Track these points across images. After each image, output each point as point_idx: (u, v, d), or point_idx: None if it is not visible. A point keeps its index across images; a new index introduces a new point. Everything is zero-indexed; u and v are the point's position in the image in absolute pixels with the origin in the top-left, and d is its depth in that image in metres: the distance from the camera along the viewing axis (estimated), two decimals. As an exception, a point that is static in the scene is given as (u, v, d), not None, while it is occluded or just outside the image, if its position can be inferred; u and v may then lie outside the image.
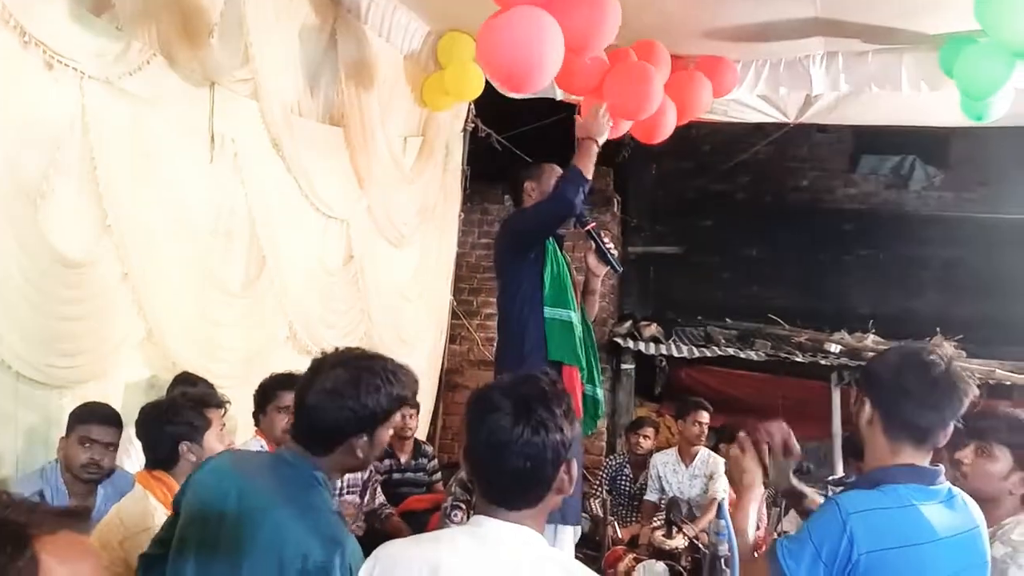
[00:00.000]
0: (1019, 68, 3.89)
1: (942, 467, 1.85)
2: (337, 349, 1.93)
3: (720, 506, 1.61)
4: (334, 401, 1.80)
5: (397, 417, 1.95)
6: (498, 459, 1.46)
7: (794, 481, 2.01)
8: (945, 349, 1.91)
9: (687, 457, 5.07)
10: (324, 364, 1.87)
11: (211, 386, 3.19)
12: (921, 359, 1.81)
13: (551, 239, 3.41)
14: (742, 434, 2.00)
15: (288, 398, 3.04)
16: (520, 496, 1.49)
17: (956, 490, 1.86)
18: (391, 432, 1.95)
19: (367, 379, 1.82)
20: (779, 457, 1.97)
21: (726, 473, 2.05)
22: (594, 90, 4.26)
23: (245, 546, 1.73)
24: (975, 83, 3.66)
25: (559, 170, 3.43)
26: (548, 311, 3.29)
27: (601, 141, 3.32)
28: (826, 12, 4.19)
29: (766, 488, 2.00)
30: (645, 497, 5.17)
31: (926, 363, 1.80)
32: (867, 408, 1.86)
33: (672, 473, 5.06)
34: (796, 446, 2.00)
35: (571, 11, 3.39)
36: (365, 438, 1.84)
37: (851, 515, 1.71)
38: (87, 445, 2.81)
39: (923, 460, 1.82)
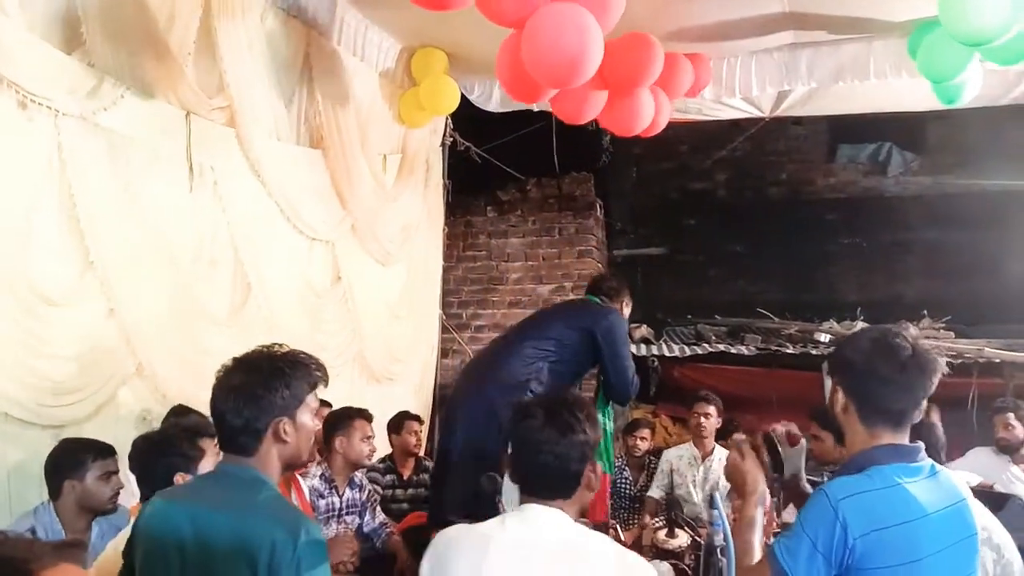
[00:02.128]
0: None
1: (922, 444, 1.87)
2: (232, 358, 1.97)
3: (713, 497, 1.62)
4: (242, 396, 1.88)
5: (313, 402, 1.98)
6: (532, 456, 1.83)
7: (803, 483, 2.02)
8: (910, 330, 1.92)
9: (702, 450, 5.03)
10: (225, 371, 1.94)
11: (204, 416, 3.17)
12: (888, 343, 1.83)
13: None
14: (739, 438, 2.03)
15: None
16: (553, 488, 1.83)
17: (938, 466, 1.88)
18: (314, 420, 2.02)
19: (267, 367, 1.91)
20: (788, 449, 1.98)
21: (727, 480, 2.05)
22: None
23: (215, 562, 1.77)
24: (936, 68, 3.70)
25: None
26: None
27: None
28: (794, 6, 4.23)
29: (772, 488, 2.00)
30: (648, 494, 5.15)
31: (893, 347, 1.82)
32: (840, 396, 1.88)
33: (688, 466, 5.02)
34: (799, 435, 2.01)
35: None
36: (286, 420, 1.90)
37: (840, 501, 1.73)
38: (112, 478, 2.82)
39: (903, 439, 1.85)
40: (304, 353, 2.00)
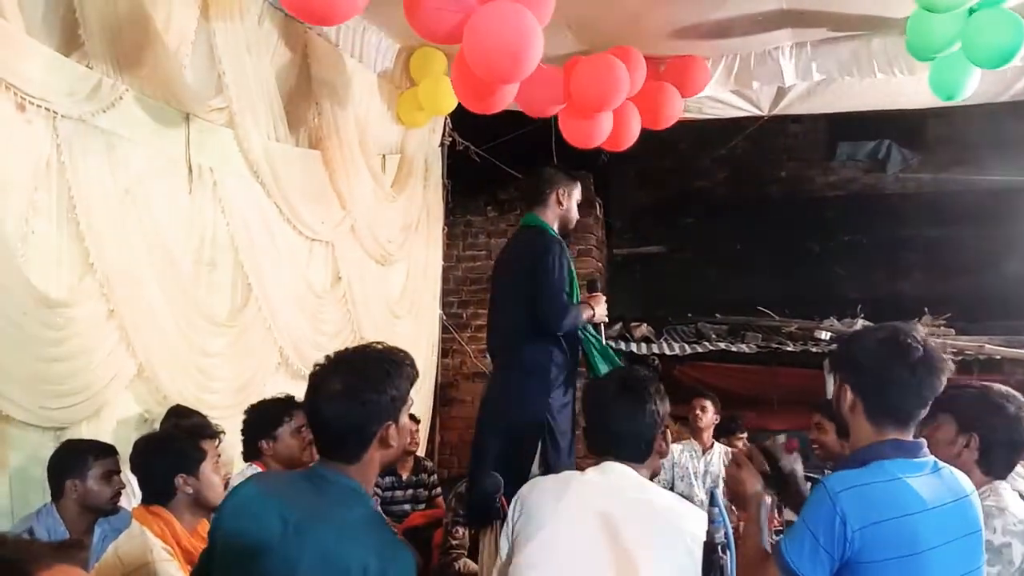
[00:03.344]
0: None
1: (924, 440, 1.88)
2: (327, 357, 1.86)
3: (713, 494, 1.61)
4: (350, 401, 1.76)
5: (410, 400, 1.89)
6: (606, 425, 2.09)
7: (803, 487, 2.02)
8: (919, 329, 1.90)
9: (702, 444, 5.12)
10: (323, 373, 1.82)
11: (204, 417, 3.18)
12: (900, 344, 1.82)
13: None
14: (737, 449, 2.07)
15: (300, 418, 3.04)
16: (628, 453, 2.04)
17: (942, 463, 1.88)
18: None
19: (373, 369, 1.80)
20: (786, 457, 1.99)
21: (726, 491, 2.05)
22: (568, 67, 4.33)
23: (298, 570, 1.66)
24: (924, 41, 3.71)
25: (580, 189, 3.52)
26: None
27: (597, 318, 3.39)
28: (792, 3, 4.23)
29: (770, 495, 2.00)
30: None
31: (905, 347, 1.81)
32: (849, 395, 1.87)
33: (690, 459, 5.10)
34: (795, 440, 2.02)
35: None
36: (393, 425, 1.80)
37: (839, 493, 1.73)
38: (113, 478, 2.83)
39: (907, 436, 1.85)
40: (400, 350, 1.91)
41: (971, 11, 3.54)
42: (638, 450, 2.03)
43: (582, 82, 4.26)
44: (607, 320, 3.45)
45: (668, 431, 2.08)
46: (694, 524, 1.82)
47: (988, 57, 3.64)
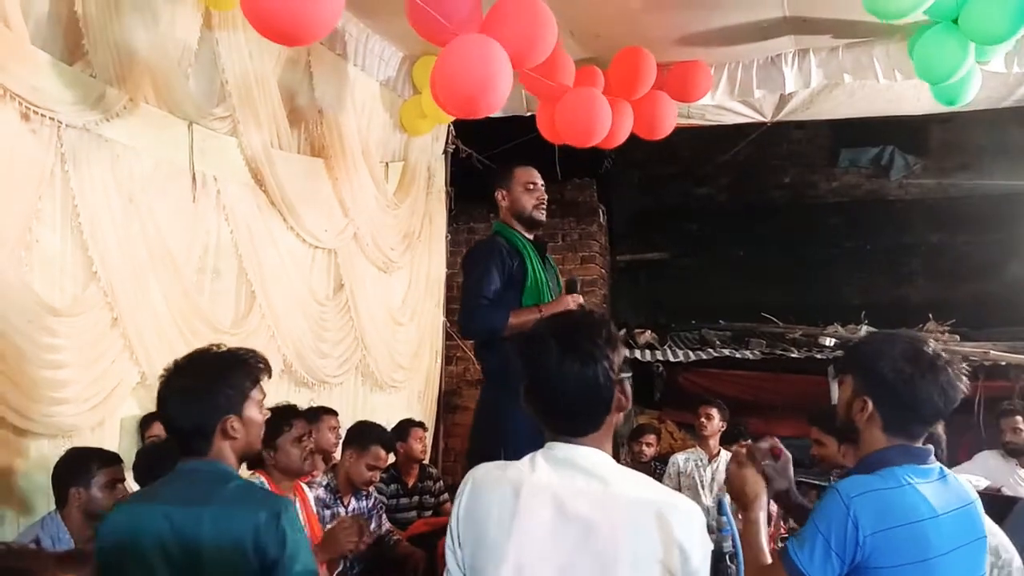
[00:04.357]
0: (989, 52, 3.96)
1: (932, 447, 1.88)
2: (175, 360, 2.05)
3: (721, 503, 1.61)
4: (187, 399, 1.97)
5: (258, 395, 2.06)
6: (555, 395, 1.59)
7: (795, 493, 2.01)
8: (937, 343, 1.89)
9: (708, 452, 5.11)
10: (166, 378, 2.02)
11: None
12: (928, 361, 1.81)
13: (531, 249, 3.33)
14: (738, 449, 2.01)
15: (301, 426, 3.12)
16: (582, 424, 1.60)
17: (946, 469, 1.88)
18: (262, 412, 2.09)
19: (208, 368, 2.01)
20: (773, 464, 1.98)
21: (728, 490, 2.03)
22: (548, 104, 4.42)
23: (202, 556, 1.83)
24: (933, 68, 3.71)
25: (530, 171, 3.39)
26: None
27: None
28: (794, 11, 4.25)
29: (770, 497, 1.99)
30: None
31: (933, 366, 1.81)
32: (869, 407, 1.85)
33: (695, 468, 5.09)
34: (782, 448, 2.01)
35: (508, 31, 3.43)
36: (233, 418, 1.99)
37: (853, 498, 1.73)
38: (117, 486, 2.82)
39: (916, 442, 1.86)
40: (244, 349, 2.10)
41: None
42: (595, 420, 1.60)
43: (567, 119, 4.35)
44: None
45: (627, 383, 1.64)
46: (679, 527, 1.50)
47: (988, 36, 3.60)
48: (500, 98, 3.41)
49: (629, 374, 6.56)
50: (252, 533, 1.83)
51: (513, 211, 3.34)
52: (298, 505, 3.18)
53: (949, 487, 1.82)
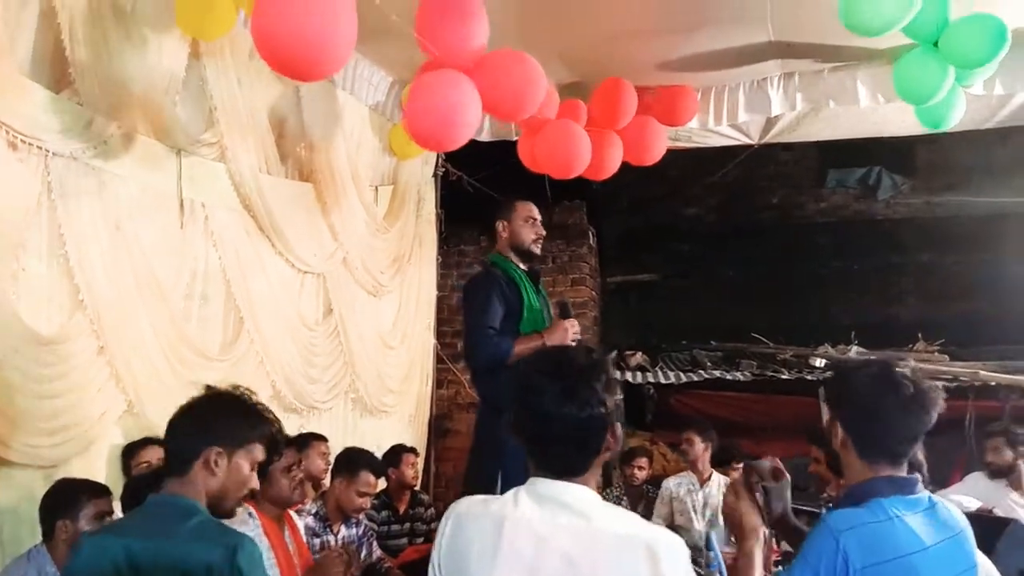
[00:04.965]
0: (971, 76, 4.00)
1: (918, 476, 1.88)
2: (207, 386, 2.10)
3: (708, 538, 1.60)
4: (189, 417, 2.02)
5: (259, 455, 2.05)
6: (548, 438, 1.59)
7: (791, 517, 2.00)
8: (910, 364, 1.90)
9: (699, 476, 5.05)
10: (198, 396, 2.08)
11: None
12: (890, 381, 1.83)
13: (526, 279, 3.43)
14: (734, 478, 2.00)
15: (290, 456, 3.13)
16: (572, 466, 1.60)
17: (936, 497, 1.87)
18: (251, 470, 2.05)
19: (224, 400, 2.04)
20: (773, 484, 1.96)
21: (724, 522, 2.02)
22: (529, 135, 4.48)
23: None
24: (914, 89, 3.75)
25: (530, 207, 3.52)
26: None
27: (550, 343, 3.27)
28: (780, 35, 4.28)
29: (767, 528, 1.97)
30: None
31: (895, 385, 1.82)
32: (840, 431, 1.87)
33: (687, 493, 5.03)
34: (783, 470, 1.99)
35: (497, 83, 3.49)
36: (221, 451, 1.97)
37: (842, 532, 1.73)
38: (106, 519, 2.77)
39: (901, 471, 1.85)
40: (271, 411, 2.12)
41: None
42: (584, 462, 1.60)
43: (544, 152, 4.42)
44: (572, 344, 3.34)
45: (618, 426, 1.63)
46: (665, 562, 1.49)
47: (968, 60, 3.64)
48: (465, 134, 3.47)
49: (621, 396, 6.56)
50: (205, 571, 1.81)
51: (512, 243, 3.49)
52: (287, 534, 3.15)
53: (938, 517, 1.81)
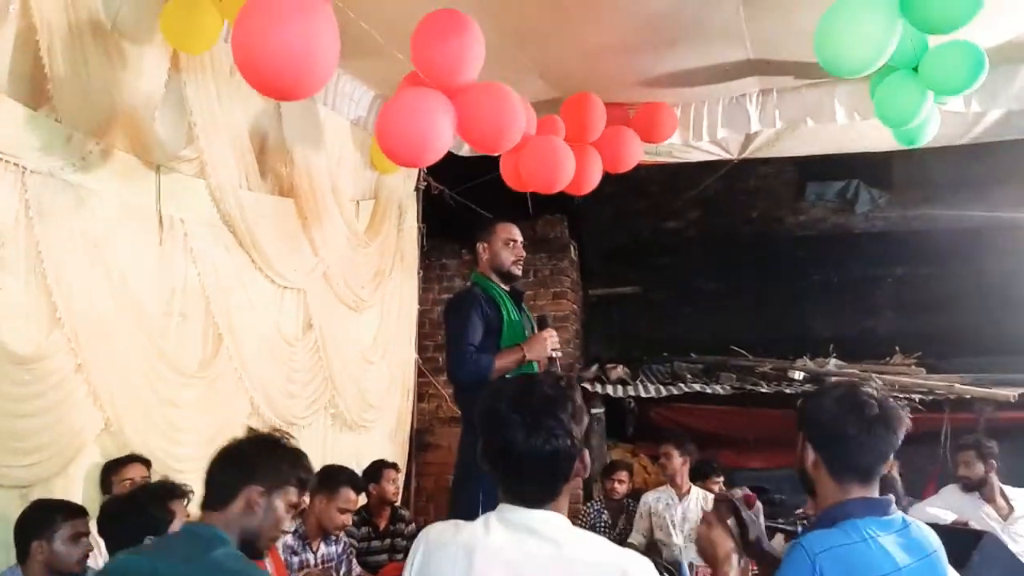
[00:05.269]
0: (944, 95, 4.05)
1: (892, 497, 1.90)
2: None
3: (680, 566, 1.62)
4: (231, 456, 2.09)
5: (293, 497, 2.11)
6: (516, 469, 1.59)
7: (765, 543, 2.02)
8: (875, 383, 1.95)
9: (678, 491, 5.05)
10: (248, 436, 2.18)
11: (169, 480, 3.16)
12: (855, 401, 1.86)
13: (507, 299, 3.48)
14: (707, 511, 2.02)
15: None
16: (541, 494, 1.60)
17: (909, 518, 1.90)
18: (286, 511, 2.11)
19: (265, 442, 2.13)
20: (747, 512, 1.99)
21: (699, 552, 2.05)
22: (512, 153, 4.44)
23: None
24: (893, 113, 3.79)
25: (510, 229, 3.56)
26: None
27: (531, 358, 3.36)
28: (758, 53, 4.33)
29: (743, 555, 1.99)
30: (629, 540, 5.13)
31: (860, 404, 1.85)
32: (810, 453, 1.91)
33: (665, 508, 5.02)
34: (754, 496, 2.03)
35: (476, 112, 3.54)
36: (261, 490, 2.03)
37: (818, 555, 1.74)
38: (81, 540, 2.76)
39: (873, 492, 1.88)
40: (305, 455, 2.18)
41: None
42: (553, 490, 1.60)
43: (528, 167, 4.44)
44: (553, 356, 3.39)
45: (586, 453, 1.63)
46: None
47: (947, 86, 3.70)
48: (435, 152, 3.52)
49: (602, 410, 6.58)
50: None
51: (492, 264, 3.54)
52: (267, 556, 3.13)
53: (911, 538, 1.84)
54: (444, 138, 3.44)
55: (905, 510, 3.36)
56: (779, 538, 2.43)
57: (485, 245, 3.55)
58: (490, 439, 1.62)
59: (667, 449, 5.05)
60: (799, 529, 2.29)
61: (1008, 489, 4.43)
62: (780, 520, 2.72)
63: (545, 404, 1.58)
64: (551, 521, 1.58)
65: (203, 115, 3.83)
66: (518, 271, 3.56)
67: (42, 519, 2.76)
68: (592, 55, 4.37)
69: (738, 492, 2.02)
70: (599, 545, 1.58)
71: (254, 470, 2.04)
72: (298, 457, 2.14)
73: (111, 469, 3.39)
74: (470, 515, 3.04)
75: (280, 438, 2.16)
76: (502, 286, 3.53)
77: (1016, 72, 4.47)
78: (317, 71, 2.85)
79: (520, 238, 3.59)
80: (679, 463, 5.02)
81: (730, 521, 1.96)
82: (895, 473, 3.07)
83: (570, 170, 4.37)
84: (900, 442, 1.86)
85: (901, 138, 4.22)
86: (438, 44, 3.33)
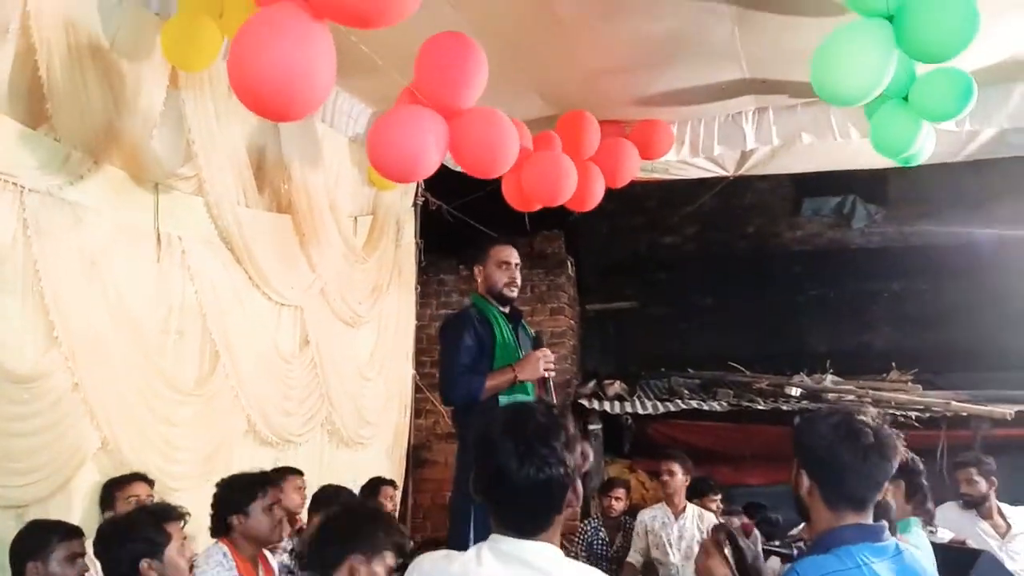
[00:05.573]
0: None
1: (885, 523, 1.91)
2: None
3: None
4: (330, 530, 2.32)
5: (390, 561, 2.25)
6: (510, 498, 1.59)
7: (763, 570, 2.03)
8: (871, 412, 1.96)
9: (674, 508, 5.03)
10: None
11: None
12: (851, 430, 1.86)
13: (502, 319, 3.50)
14: (706, 539, 2.03)
15: (274, 494, 3.18)
16: (533, 524, 1.60)
17: (903, 544, 1.91)
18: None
19: (359, 514, 2.39)
20: (744, 540, 2.00)
21: None
22: (513, 170, 4.42)
23: None
24: (890, 143, 3.82)
25: (504, 251, 3.57)
26: (503, 399, 3.32)
27: (522, 378, 3.37)
28: (753, 72, 4.36)
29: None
30: (627, 559, 5.12)
31: (855, 434, 1.86)
32: (805, 480, 1.92)
33: (661, 526, 5.00)
34: (751, 524, 2.05)
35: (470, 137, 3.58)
36: (361, 558, 2.20)
37: None
38: (77, 561, 2.73)
39: (867, 519, 1.89)
40: (398, 523, 2.47)
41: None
42: (546, 521, 1.61)
43: (531, 180, 4.48)
44: (547, 375, 3.38)
45: (578, 483, 1.64)
46: None
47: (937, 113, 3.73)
48: (426, 168, 3.53)
49: (599, 426, 6.58)
50: None
51: (486, 286, 3.56)
52: (261, 574, 3.13)
53: (904, 564, 1.85)
54: (434, 155, 3.46)
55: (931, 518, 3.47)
56: (775, 561, 2.43)
57: (480, 267, 3.59)
58: (483, 466, 1.62)
59: (671, 466, 5.02)
60: (794, 552, 2.31)
61: (1005, 507, 4.43)
62: (776, 543, 2.73)
63: (538, 432, 1.58)
64: (543, 552, 1.58)
65: (201, 133, 3.83)
66: (511, 293, 3.56)
67: (37, 540, 2.74)
68: (590, 74, 4.40)
69: (736, 521, 2.04)
70: (590, 574, 1.60)
71: (353, 540, 2.22)
72: (393, 524, 2.36)
73: (115, 486, 3.37)
74: (467, 532, 3.05)
75: (375, 509, 2.41)
76: (499, 307, 3.55)
77: (1009, 91, 4.51)
78: (313, 93, 2.86)
79: (514, 260, 3.58)
80: (681, 481, 5.01)
81: (727, 550, 1.97)
82: (889, 498, 3.08)
83: (573, 182, 4.38)
84: (895, 470, 1.88)
85: (898, 160, 4.24)
86: (443, 66, 3.36)
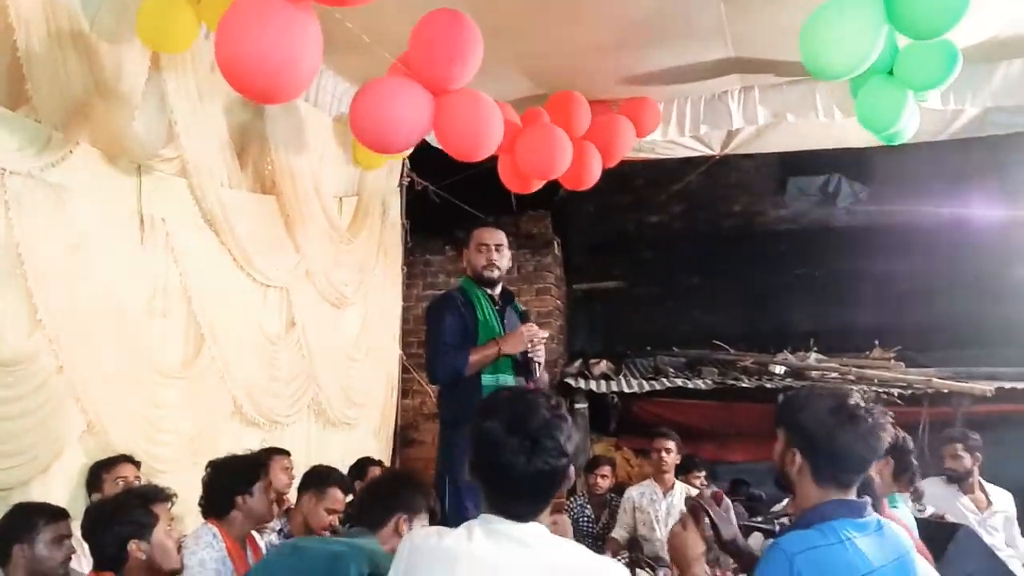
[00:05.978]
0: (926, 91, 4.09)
1: (868, 499, 1.95)
2: None
3: (662, 563, 1.66)
4: (377, 490, 2.64)
5: (425, 521, 2.46)
6: (512, 488, 1.64)
7: (740, 540, 2.06)
8: (863, 394, 1.98)
9: (663, 485, 5.07)
10: None
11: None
12: (850, 415, 1.89)
13: (485, 300, 3.56)
14: (683, 511, 2.06)
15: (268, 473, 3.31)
16: (528, 508, 1.66)
17: (884, 520, 1.95)
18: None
19: (402, 478, 2.72)
20: (717, 510, 2.03)
21: (669, 553, 2.11)
22: (507, 149, 4.39)
23: None
24: (875, 118, 3.83)
25: (483, 233, 3.65)
26: (486, 378, 3.41)
27: (506, 351, 3.43)
28: (739, 52, 4.35)
29: (710, 560, 2.03)
30: (611, 535, 5.16)
31: (856, 418, 1.88)
32: (797, 459, 1.94)
33: (650, 503, 5.05)
34: (722, 493, 2.07)
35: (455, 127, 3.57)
36: (405, 517, 2.44)
37: (796, 555, 1.78)
38: (64, 543, 2.74)
39: (851, 495, 1.93)
40: (432, 489, 2.72)
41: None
42: (541, 506, 1.67)
43: (525, 155, 4.45)
44: (532, 356, 3.42)
45: (571, 468, 1.67)
46: None
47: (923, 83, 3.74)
48: (407, 138, 3.54)
49: (585, 405, 6.61)
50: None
51: (470, 268, 3.66)
52: (250, 554, 3.14)
53: (885, 539, 1.88)
54: (417, 126, 3.44)
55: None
56: (757, 537, 2.46)
57: (465, 250, 3.69)
58: (484, 459, 1.65)
59: (666, 443, 5.05)
60: (777, 528, 2.34)
61: (988, 486, 4.50)
62: (759, 518, 2.76)
63: (543, 427, 1.63)
64: (532, 531, 1.64)
65: (183, 113, 3.79)
66: (492, 274, 3.60)
67: (23, 522, 2.74)
68: (576, 53, 4.38)
69: (706, 492, 2.07)
70: (577, 552, 1.65)
71: (399, 500, 2.47)
72: (429, 491, 2.61)
73: (102, 468, 3.37)
74: (453, 511, 3.08)
75: (415, 474, 2.72)
76: (487, 290, 3.60)
77: (993, 70, 4.52)
78: (300, 75, 2.84)
79: (493, 241, 3.63)
80: (676, 458, 5.06)
81: (705, 522, 2.00)
82: (873, 473, 3.12)
83: (567, 154, 4.36)
84: (883, 448, 1.91)
85: (883, 138, 4.26)
86: (436, 42, 3.33)
